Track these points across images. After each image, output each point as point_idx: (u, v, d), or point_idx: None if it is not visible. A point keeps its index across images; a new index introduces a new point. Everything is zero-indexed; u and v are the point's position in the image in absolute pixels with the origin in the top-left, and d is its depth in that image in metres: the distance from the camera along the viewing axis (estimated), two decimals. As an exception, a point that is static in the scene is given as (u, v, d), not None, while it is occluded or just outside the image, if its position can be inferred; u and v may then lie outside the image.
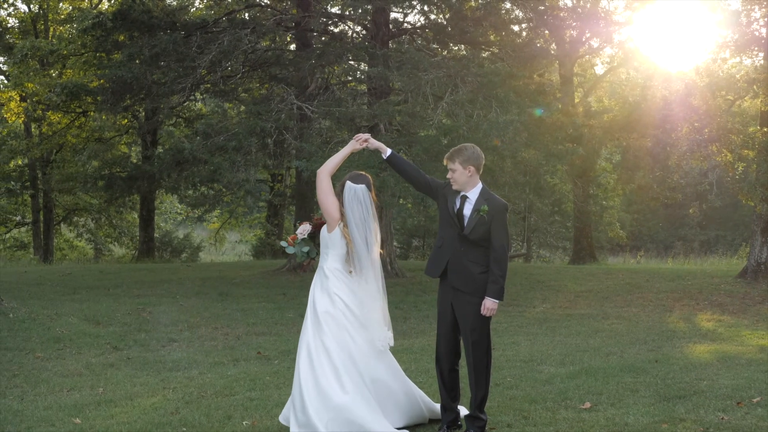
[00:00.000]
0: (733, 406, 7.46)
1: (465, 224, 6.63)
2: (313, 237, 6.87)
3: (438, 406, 6.91)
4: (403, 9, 19.70)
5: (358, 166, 14.53)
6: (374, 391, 6.42)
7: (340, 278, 6.53)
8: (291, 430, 6.32)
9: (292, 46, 22.69)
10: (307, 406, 6.25)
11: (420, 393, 6.82)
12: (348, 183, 6.56)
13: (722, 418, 7.02)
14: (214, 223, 39.59)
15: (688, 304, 15.83)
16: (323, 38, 20.85)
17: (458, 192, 6.70)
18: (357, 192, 6.51)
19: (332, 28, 20.97)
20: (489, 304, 6.52)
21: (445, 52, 20.24)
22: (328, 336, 6.38)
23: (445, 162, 6.76)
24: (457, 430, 6.77)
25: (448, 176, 6.70)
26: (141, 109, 26.98)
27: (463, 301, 6.62)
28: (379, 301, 6.58)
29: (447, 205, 6.73)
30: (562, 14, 20.71)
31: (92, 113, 27.21)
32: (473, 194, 6.65)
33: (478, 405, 6.67)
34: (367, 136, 6.88)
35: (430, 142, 16.51)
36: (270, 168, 27.38)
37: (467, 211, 6.63)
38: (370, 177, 6.73)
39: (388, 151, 6.92)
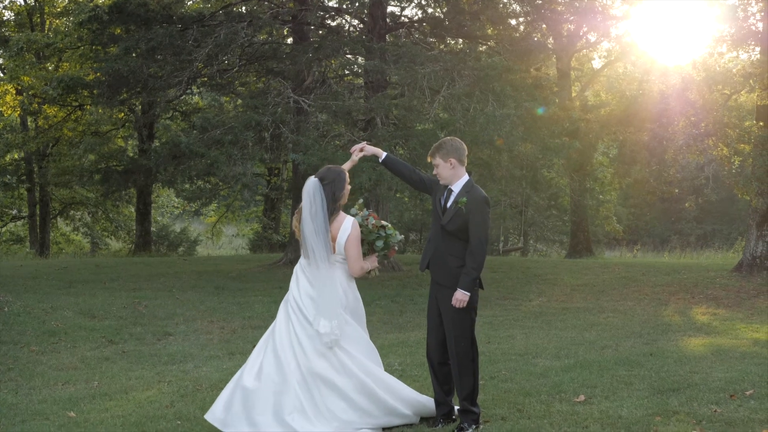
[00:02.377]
0: (726, 399, 7.48)
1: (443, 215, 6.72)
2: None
3: (431, 403, 6.91)
4: (400, 2, 19.69)
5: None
6: (313, 386, 6.40)
7: (297, 271, 6.66)
8: None
9: (289, 40, 22.66)
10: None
11: (398, 393, 6.65)
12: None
13: (715, 411, 7.04)
14: (210, 217, 39.55)
15: (684, 298, 15.86)
16: (320, 32, 20.82)
17: (446, 186, 6.77)
18: (306, 185, 6.52)
19: (329, 21, 20.94)
20: (458, 296, 6.56)
21: (442, 46, 20.23)
22: (275, 327, 6.60)
23: (429, 159, 6.83)
24: (451, 424, 6.79)
25: (434, 172, 6.77)
26: (137, 103, 26.94)
27: (444, 295, 6.68)
28: (332, 298, 6.49)
29: (435, 199, 6.81)
30: (559, 8, 20.71)
31: (88, 107, 27.17)
32: (457, 186, 6.71)
33: (465, 398, 6.67)
34: (362, 145, 7.01)
35: (426, 136, 16.50)
36: (267, 162, 27.38)
37: (450, 203, 6.71)
38: (337, 170, 6.65)
39: (384, 155, 7.07)
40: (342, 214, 6.61)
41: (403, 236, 7.12)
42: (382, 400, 6.51)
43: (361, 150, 6.97)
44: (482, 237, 6.61)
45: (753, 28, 19.17)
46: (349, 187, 6.71)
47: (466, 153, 6.83)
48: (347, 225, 6.55)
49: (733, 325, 12.77)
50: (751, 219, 19.06)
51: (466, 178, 6.75)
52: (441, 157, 6.72)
